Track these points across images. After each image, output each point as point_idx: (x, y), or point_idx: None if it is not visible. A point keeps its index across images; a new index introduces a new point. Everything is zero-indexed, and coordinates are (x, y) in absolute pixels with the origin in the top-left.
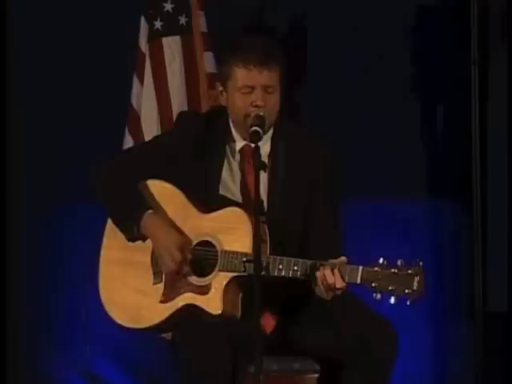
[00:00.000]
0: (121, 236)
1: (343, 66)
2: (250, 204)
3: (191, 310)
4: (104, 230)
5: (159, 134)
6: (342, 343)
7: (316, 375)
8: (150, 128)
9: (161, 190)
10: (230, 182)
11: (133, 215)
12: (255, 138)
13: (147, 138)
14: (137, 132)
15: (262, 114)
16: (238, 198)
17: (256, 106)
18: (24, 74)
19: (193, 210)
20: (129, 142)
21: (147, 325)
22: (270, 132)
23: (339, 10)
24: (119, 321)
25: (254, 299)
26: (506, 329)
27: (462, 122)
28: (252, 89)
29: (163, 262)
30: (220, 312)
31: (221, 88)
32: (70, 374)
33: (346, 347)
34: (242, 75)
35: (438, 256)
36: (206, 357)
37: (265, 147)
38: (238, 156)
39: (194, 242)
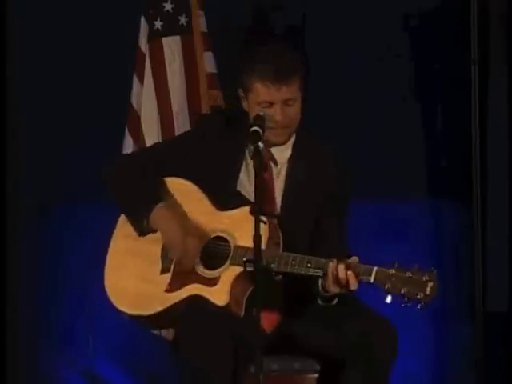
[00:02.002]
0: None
1: (343, 66)
2: (263, 205)
3: (195, 301)
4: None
5: (182, 132)
6: (343, 342)
7: (316, 375)
8: (150, 128)
9: (178, 186)
10: (246, 182)
11: (143, 209)
12: (255, 137)
13: (147, 138)
14: (137, 132)
15: (261, 114)
16: (253, 197)
17: (276, 121)
18: (24, 74)
19: (210, 207)
20: (129, 142)
21: (149, 312)
22: (293, 138)
23: (339, 10)
24: (121, 308)
25: (255, 299)
26: (506, 329)
27: (461, 122)
28: (271, 104)
29: (172, 252)
30: (225, 304)
31: (242, 94)
32: (70, 374)
33: (346, 346)
34: (261, 91)
35: (438, 256)
36: (207, 354)
37: (286, 152)
38: None
39: (209, 236)
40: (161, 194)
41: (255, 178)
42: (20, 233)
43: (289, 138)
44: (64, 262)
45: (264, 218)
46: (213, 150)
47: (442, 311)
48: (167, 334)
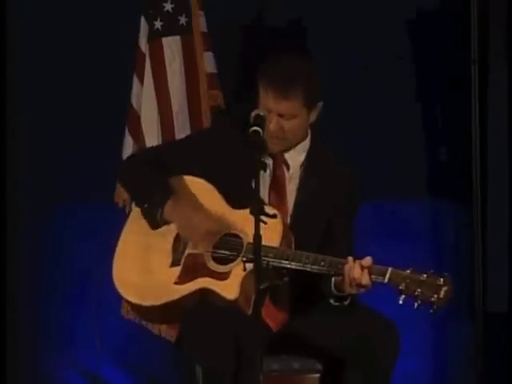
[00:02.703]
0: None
1: (343, 65)
2: (276, 206)
3: (203, 297)
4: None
5: (194, 131)
6: (344, 343)
7: (317, 375)
8: (150, 128)
9: (194, 184)
10: (261, 183)
11: (157, 200)
12: (255, 137)
13: (147, 138)
14: (137, 132)
15: (262, 113)
16: (266, 199)
17: (269, 129)
18: (24, 74)
19: (224, 206)
20: (129, 142)
21: (157, 303)
22: (307, 144)
23: (339, 10)
24: (128, 298)
25: (256, 299)
26: (506, 329)
27: (461, 122)
28: (269, 111)
29: (190, 236)
30: (234, 298)
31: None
32: (70, 374)
33: (347, 347)
34: (262, 95)
35: (438, 256)
36: (210, 353)
37: (299, 157)
38: (269, 159)
39: (222, 233)
40: (175, 188)
41: (254, 178)
42: (20, 233)
43: (285, 149)
44: (64, 261)
45: (265, 219)
46: (228, 150)
47: (442, 311)
48: (168, 334)
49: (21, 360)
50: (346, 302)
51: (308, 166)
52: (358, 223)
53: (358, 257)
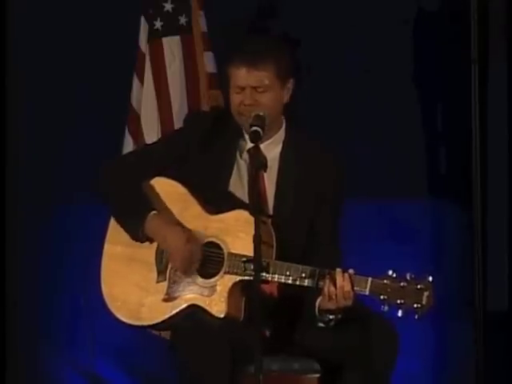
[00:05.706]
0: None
1: (343, 65)
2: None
3: (194, 311)
4: (105, 228)
5: (172, 131)
6: (344, 343)
7: (316, 375)
8: (150, 128)
9: (167, 188)
10: (238, 184)
11: (136, 219)
12: (255, 137)
13: (147, 138)
14: (137, 132)
15: (262, 114)
16: (246, 197)
17: (245, 105)
18: (24, 73)
19: (200, 211)
20: (129, 142)
21: (149, 323)
22: (283, 135)
23: (339, 10)
24: (120, 316)
25: (254, 300)
26: (506, 329)
27: (461, 122)
28: (242, 89)
29: (173, 257)
30: (223, 315)
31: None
32: (70, 374)
33: (347, 347)
34: (234, 75)
35: (438, 256)
36: (204, 359)
37: (276, 149)
38: (245, 155)
39: (202, 242)
40: (150, 201)
41: (254, 178)
42: (20, 233)
43: (267, 129)
44: (64, 261)
45: (264, 219)
46: (203, 148)
47: (442, 311)
48: (167, 335)
49: (21, 360)
50: (332, 324)
51: (286, 156)
52: (358, 223)
53: (357, 257)
